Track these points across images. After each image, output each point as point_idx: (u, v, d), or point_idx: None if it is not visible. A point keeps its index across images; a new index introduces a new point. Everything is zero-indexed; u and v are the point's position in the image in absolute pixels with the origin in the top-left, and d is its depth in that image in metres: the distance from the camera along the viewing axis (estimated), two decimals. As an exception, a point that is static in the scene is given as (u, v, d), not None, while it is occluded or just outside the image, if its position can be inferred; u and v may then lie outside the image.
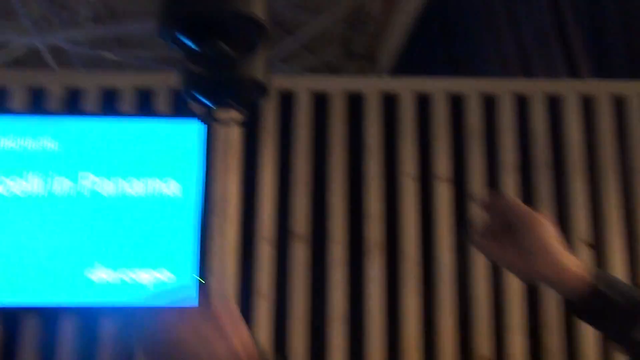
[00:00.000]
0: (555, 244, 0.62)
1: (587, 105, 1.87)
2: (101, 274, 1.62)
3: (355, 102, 1.85)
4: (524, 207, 0.64)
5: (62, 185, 1.65)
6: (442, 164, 1.81)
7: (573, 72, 1.97)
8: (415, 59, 3.32)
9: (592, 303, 0.60)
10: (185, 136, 1.75)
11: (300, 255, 1.73)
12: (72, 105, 1.77)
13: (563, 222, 1.77)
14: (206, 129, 1.70)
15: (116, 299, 1.63)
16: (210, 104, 0.78)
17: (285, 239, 1.74)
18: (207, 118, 0.87)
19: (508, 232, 0.63)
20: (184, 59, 0.74)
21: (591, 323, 0.62)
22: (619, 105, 1.88)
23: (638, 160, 1.83)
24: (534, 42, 2.33)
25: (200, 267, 1.66)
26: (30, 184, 1.65)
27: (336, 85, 1.86)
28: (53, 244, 1.62)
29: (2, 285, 1.58)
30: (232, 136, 1.74)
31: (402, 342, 1.69)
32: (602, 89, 1.87)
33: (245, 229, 1.73)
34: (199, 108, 0.82)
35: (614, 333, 0.62)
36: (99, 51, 7.41)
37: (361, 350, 1.68)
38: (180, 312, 0.53)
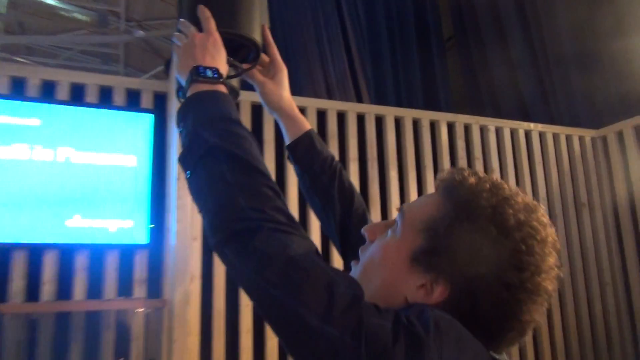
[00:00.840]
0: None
1: (360, 120, 2.79)
2: (77, 222, 2.20)
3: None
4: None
5: (47, 154, 2.20)
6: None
7: (358, 96, 2.99)
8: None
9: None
10: (141, 123, 2.37)
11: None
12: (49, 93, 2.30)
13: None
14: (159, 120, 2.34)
15: (86, 240, 2.22)
16: None
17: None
18: None
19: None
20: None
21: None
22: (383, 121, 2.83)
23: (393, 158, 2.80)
24: (335, 73, 3.49)
25: (151, 218, 2.31)
26: (24, 152, 2.17)
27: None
28: (41, 199, 2.16)
29: (2, 227, 2.10)
30: None
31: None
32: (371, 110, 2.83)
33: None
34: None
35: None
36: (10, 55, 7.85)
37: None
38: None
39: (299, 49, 4.46)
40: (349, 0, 4.35)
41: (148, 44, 8.82)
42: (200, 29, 0.83)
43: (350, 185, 0.98)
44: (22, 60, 8.91)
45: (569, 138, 3.28)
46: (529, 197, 0.64)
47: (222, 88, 0.75)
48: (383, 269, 0.64)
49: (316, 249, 0.59)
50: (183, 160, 0.68)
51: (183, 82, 0.79)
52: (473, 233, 0.58)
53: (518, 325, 0.59)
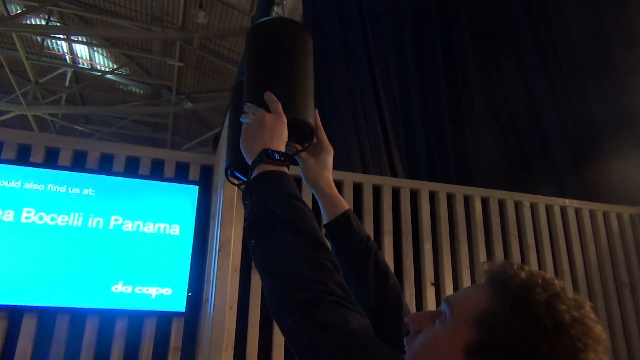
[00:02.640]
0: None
1: (395, 194, 2.80)
2: (120, 288, 2.24)
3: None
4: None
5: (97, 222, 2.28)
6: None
7: (392, 171, 3.00)
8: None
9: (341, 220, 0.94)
10: (185, 195, 2.45)
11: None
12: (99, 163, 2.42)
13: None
14: (204, 192, 2.42)
15: (127, 306, 2.24)
16: (245, 179, 1.02)
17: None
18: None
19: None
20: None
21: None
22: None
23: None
24: (370, 147, 3.53)
25: (190, 286, 2.32)
26: (74, 220, 2.26)
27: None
28: (88, 266, 2.22)
29: (51, 291, 2.15)
30: (234, 199, 2.28)
31: None
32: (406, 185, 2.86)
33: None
34: (235, 181, 1.05)
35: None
36: (70, 124, 8.64)
37: None
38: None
39: (335, 124, 4.60)
40: (384, 75, 4.50)
41: (194, 114, 9.27)
42: (267, 110, 0.88)
43: (386, 267, 0.96)
44: (79, 128, 9.50)
45: (606, 215, 3.18)
46: (576, 294, 0.63)
47: (286, 169, 0.82)
48: None
49: (371, 327, 0.62)
50: (249, 229, 0.74)
51: (248, 159, 0.84)
52: (531, 329, 0.57)
53: None
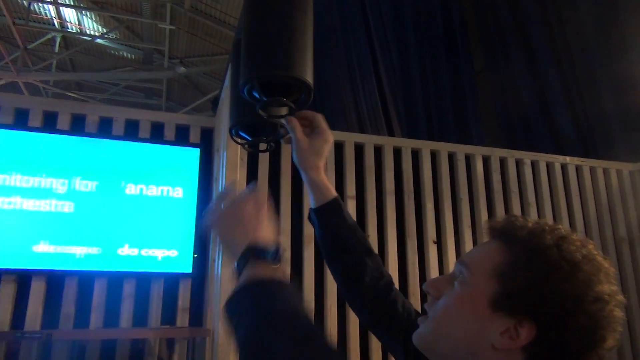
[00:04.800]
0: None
1: (397, 154, 2.80)
2: (126, 251, 2.25)
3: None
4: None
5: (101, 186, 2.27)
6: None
7: (390, 131, 2.99)
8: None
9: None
10: (187, 158, 2.43)
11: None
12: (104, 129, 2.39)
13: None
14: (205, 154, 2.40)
15: (134, 268, 2.25)
16: (250, 139, 1.04)
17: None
18: (248, 147, 1.10)
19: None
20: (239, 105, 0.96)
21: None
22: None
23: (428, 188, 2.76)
24: (367, 108, 3.51)
25: (195, 248, 2.33)
26: (74, 185, 2.25)
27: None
28: (93, 229, 2.22)
29: (58, 254, 2.16)
30: (237, 160, 2.24)
31: None
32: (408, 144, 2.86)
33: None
34: (240, 140, 1.05)
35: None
36: (62, 90, 8.50)
37: None
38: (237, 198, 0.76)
39: (332, 84, 4.54)
40: (381, 34, 4.42)
41: (188, 80, 9.12)
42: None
43: (380, 266, 0.96)
44: (72, 94, 9.35)
45: (606, 172, 3.19)
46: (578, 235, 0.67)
47: (281, 271, 0.68)
48: (462, 321, 0.64)
49: None
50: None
51: (230, 253, 0.72)
52: (549, 272, 0.60)
53: (600, 352, 0.60)
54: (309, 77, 0.91)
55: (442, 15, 4.37)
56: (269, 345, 0.55)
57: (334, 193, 0.96)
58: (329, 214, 0.94)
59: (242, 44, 0.94)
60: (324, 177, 0.95)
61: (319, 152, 0.94)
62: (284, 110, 0.97)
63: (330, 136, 0.95)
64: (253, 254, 0.68)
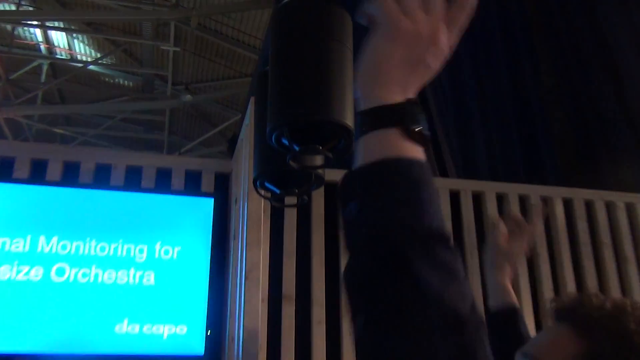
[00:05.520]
0: None
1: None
2: (125, 328, 2.23)
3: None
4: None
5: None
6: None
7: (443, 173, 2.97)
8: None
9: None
10: (198, 210, 2.43)
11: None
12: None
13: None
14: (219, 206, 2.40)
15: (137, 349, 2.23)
16: (278, 191, 1.04)
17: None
18: (275, 201, 1.12)
19: None
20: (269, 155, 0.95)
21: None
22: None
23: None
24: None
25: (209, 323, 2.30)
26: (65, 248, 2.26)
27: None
28: (85, 302, 2.22)
29: (43, 334, 2.16)
30: (260, 213, 2.20)
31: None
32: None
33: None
34: (266, 192, 1.05)
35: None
36: (49, 127, 8.87)
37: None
38: None
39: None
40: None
41: (195, 109, 9.33)
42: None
43: None
44: (59, 131, 9.66)
45: None
46: None
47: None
48: None
49: None
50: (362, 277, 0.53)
51: (363, 103, 0.60)
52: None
53: None
54: (349, 120, 0.90)
55: (500, 21, 4.36)
56: (405, 274, 0.49)
57: (514, 299, 1.18)
58: (504, 321, 1.14)
59: (270, 81, 0.94)
60: (509, 283, 1.19)
61: (513, 257, 1.18)
62: (319, 160, 0.98)
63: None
64: (399, 119, 0.55)
